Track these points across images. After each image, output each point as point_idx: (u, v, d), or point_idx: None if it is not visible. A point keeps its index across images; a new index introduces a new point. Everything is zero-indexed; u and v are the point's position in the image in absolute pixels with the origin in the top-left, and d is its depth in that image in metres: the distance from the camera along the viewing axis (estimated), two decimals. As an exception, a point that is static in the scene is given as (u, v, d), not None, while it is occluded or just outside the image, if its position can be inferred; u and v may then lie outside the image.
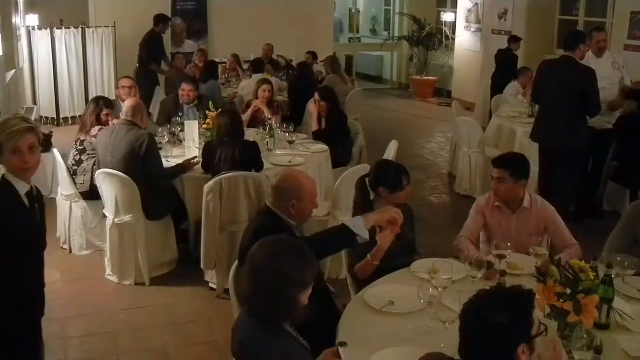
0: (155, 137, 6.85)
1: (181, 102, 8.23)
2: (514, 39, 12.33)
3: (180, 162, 6.42)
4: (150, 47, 11.89)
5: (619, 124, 7.68)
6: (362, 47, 19.53)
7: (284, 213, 3.80)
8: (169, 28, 12.44)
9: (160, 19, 12.02)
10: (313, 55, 12.55)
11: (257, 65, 11.10)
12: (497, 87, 11.64)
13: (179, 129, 7.25)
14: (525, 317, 2.50)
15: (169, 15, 13.77)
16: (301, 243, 3.05)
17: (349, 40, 19.92)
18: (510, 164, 4.65)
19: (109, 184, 5.98)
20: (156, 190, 6.13)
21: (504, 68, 12.13)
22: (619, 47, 10.62)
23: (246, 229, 4.05)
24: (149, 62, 11.87)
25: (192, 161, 6.43)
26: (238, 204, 5.77)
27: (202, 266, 5.90)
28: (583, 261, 3.35)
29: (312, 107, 8.02)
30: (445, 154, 10.85)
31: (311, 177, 4.08)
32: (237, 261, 3.95)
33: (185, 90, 8.19)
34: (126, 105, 6.30)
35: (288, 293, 2.82)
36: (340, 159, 7.55)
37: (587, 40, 7.32)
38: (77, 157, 6.65)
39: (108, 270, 6.28)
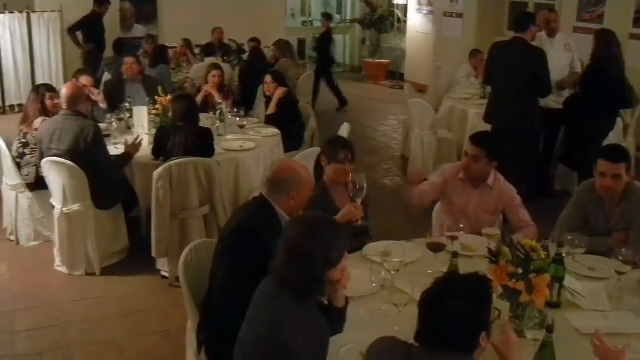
0: (104, 124, 6.73)
1: (125, 77, 8.11)
2: None
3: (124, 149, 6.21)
4: (86, 28, 11.85)
5: (566, 106, 7.73)
6: (314, 30, 19.41)
7: (280, 205, 3.72)
8: (108, 9, 12.30)
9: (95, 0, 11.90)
10: (258, 41, 12.37)
11: (208, 49, 10.96)
12: None
13: (128, 115, 7.11)
14: (486, 306, 2.51)
15: (119, -1, 13.63)
16: (333, 223, 3.05)
17: (303, 24, 19.77)
18: (488, 144, 4.62)
19: (56, 173, 5.84)
20: (105, 179, 5.98)
21: None
22: (568, 29, 10.68)
23: (233, 214, 4.03)
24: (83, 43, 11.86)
25: (135, 143, 6.19)
26: (188, 190, 5.71)
27: (153, 254, 5.82)
28: (534, 241, 3.37)
29: (278, 91, 7.87)
30: (398, 137, 10.86)
31: (305, 166, 4.05)
32: (187, 248, 3.94)
33: (128, 63, 8.11)
34: (64, 94, 6.02)
35: (316, 270, 2.82)
36: (292, 143, 7.49)
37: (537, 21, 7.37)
38: (20, 150, 6.42)
39: (57, 261, 6.16)
